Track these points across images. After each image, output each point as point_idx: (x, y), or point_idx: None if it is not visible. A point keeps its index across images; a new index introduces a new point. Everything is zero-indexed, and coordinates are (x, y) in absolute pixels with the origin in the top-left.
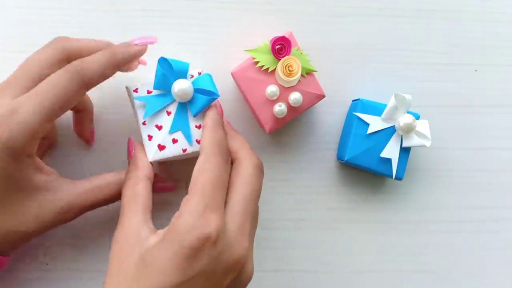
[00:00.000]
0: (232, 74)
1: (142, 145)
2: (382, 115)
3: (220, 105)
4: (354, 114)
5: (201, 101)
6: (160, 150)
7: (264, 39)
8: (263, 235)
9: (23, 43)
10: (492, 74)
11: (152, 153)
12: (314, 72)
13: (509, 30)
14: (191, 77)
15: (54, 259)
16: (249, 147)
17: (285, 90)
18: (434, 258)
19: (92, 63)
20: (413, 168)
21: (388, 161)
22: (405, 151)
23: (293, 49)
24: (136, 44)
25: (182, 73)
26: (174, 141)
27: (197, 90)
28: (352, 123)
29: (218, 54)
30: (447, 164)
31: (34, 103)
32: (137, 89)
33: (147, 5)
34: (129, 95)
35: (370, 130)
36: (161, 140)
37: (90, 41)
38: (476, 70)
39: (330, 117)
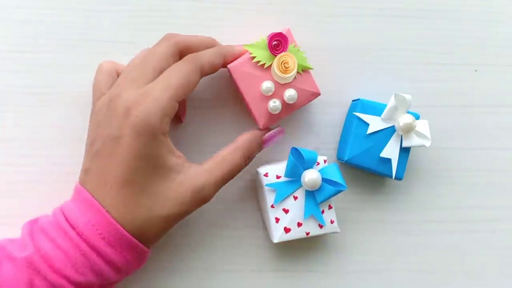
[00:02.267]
0: (228, 68)
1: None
2: (382, 115)
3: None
4: (354, 114)
5: (328, 190)
6: (286, 233)
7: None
8: (264, 235)
9: (23, 43)
10: (492, 74)
11: (278, 236)
12: (310, 70)
13: (509, 30)
14: (317, 164)
15: None
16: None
17: (281, 86)
18: (434, 258)
19: (204, 54)
20: (413, 168)
21: (388, 161)
22: (405, 151)
23: (290, 46)
24: (238, 46)
25: (311, 162)
26: (299, 224)
27: (324, 180)
28: (352, 123)
29: None
30: (447, 164)
31: (163, 85)
32: (267, 173)
33: (147, 5)
34: (259, 178)
35: (370, 130)
36: (287, 223)
37: (197, 36)
38: (476, 70)
39: (330, 117)
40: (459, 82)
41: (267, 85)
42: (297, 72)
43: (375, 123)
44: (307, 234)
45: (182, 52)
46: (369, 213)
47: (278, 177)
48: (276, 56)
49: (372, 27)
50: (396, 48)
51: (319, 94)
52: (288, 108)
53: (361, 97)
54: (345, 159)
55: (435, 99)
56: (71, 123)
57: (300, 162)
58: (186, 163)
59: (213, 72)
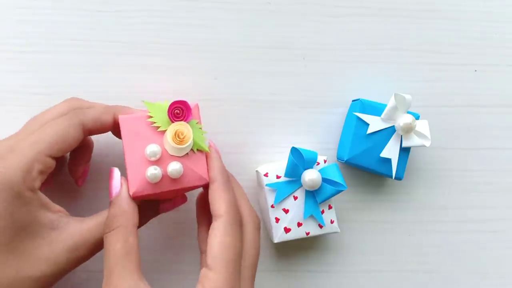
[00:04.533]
0: (119, 119)
1: (126, 180)
2: (382, 115)
3: (216, 147)
4: (354, 114)
5: (328, 190)
6: (286, 233)
7: (263, 39)
8: (264, 235)
9: (23, 43)
10: (492, 74)
11: (278, 236)
12: (206, 154)
13: (509, 30)
14: (317, 164)
15: None
16: (247, 200)
17: (169, 157)
18: (434, 258)
19: (89, 110)
20: (413, 168)
21: (388, 161)
22: (404, 151)
23: (193, 121)
24: (133, 109)
25: (311, 162)
26: (299, 224)
27: (324, 180)
28: (352, 123)
29: (218, 54)
30: (447, 164)
31: (31, 139)
32: (267, 173)
33: (147, 5)
34: (259, 178)
35: (370, 130)
36: (287, 223)
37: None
38: (476, 70)
39: (330, 117)
40: (459, 82)
41: (153, 148)
42: (191, 150)
43: (375, 123)
44: (307, 234)
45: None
46: (369, 213)
47: (278, 177)
48: (173, 122)
49: (372, 27)
50: (396, 48)
51: (207, 182)
52: (170, 183)
53: (361, 97)
54: (345, 159)
55: (435, 99)
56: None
57: (300, 162)
58: (64, 218)
59: (102, 131)
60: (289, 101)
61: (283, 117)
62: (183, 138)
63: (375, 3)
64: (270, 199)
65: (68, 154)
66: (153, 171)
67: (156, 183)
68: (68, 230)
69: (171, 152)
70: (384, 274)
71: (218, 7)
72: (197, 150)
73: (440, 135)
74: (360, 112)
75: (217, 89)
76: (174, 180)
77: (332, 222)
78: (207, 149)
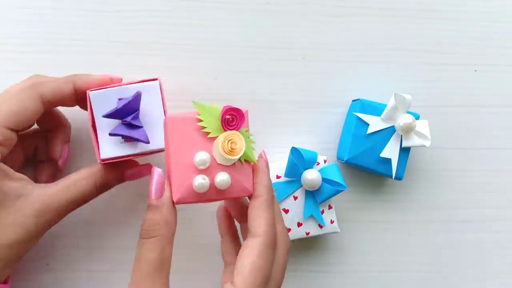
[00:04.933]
0: (166, 118)
1: (169, 183)
2: (382, 115)
3: (266, 158)
4: (354, 114)
5: (328, 190)
6: None
7: (264, 39)
8: None
9: (23, 43)
10: (492, 74)
11: None
12: (252, 164)
13: (509, 30)
14: (317, 164)
15: (55, 260)
16: (283, 219)
17: (216, 166)
18: (434, 258)
19: (48, 80)
20: (413, 168)
21: (388, 161)
22: (404, 151)
23: (243, 129)
24: (98, 75)
25: (311, 162)
26: (299, 224)
27: (324, 180)
28: (352, 123)
29: (218, 54)
30: (447, 164)
31: None
32: None
33: (147, 5)
34: None
35: (370, 130)
36: (287, 223)
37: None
38: (476, 70)
39: (330, 117)
40: (459, 82)
41: (202, 157)
42: (239, 160)
43: (375, 123)
44: (307, 234)
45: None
46: (369, 213)
47: (278, 177)
48: (225, 131)
49: (372, 27)
50: (396, 48)
51: (251, 193)
52: (215, 193)
53: (361, 97)
54: (345, 159)
55: (435, 99)
56: (72, 123)
57: (300, 162)
58: (28, 185)
59: (63, 104)
60: (289, 101)
61: (283, 117)
62: (235, 149)
63: (375, 3)
64: None
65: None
66: (201, 181)
67: (203, 192)
68: (33, 197)
69: (219, 160)
70: (384, 274)
71: (218, 7)
72: (244, 160)
73: (440, 135)
74: (360, 112)
75: (217, 89)
76: (220, 190)
77: (332, 222)
78: (255, 160)
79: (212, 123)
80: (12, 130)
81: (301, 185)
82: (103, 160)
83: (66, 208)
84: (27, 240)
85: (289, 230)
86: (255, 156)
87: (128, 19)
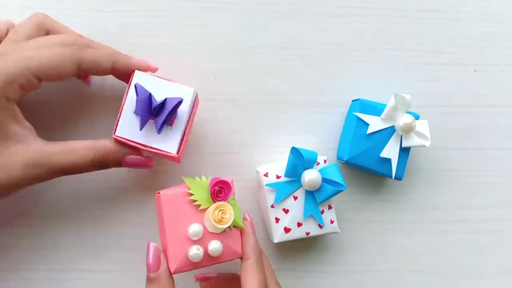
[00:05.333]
0: (159, 194)
1: (164, 255)
2: (382, 115)
3: (251, 221)
4: (354, 114)
5: (328, 190)
6: (286, 233)
7: (264, 39)
8: (264, 236)
9: None
10: (492, 74)
11: (278, 236)
12: (239, 229)
13: (509, 30)
14: (317, 164)
15: (55, 260)
16: (274, 274)
17: (208, 234)
18: (434, 258)
19: (92, 50)
20: (413, 168)
21: (388, 161)
22: (404, 151)
23: (230, 197)
24: (138, 59)
25: (311, 163)
26: (299, 224)
27: (324, 180)
28: (352, 123)
29: (218, 54)
30: (447, 164)
31: (25, 53)
32: (267, 173)
33: (147, 5)
34: (259, 178)
35: (370, 130)
36: (287, 223)
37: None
38: (476, 70)
39: (330, 117)
40: (459, 82)
41: (195, 228)
42: (228, 227)
43: (375, 123)
44: (307, 234)
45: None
46: (369, 213)
47: (278, 177)
48: (215, 202)
49: (372, 27)
50: (396, 48)
51: (240, 256)
52: (208, 260)
53: (361, 97)
54: (345, 159)
55: (435, 99)
56: (72, 123)
57: (300, 162)
58: (31, 135)
59: (97, 74)
60: (289, 101)
61: (283, 117)
62: (225, 218)
63: (375, 3)
64: (270, 199)
65: None
66: (196, 251)
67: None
68: (31, 147)
69: (210, 230)
70: (384, 274)
71: (218, 7)
72: (233, 226)
73: (440, 135)
74: (360, 112)
75: (217, 89)
76: (214, 257)
77: (332, 222)
78: (243, 225)
79: (202, 196)
80: (38, 79)
81: (301, 185)
82: (116, 136)
83: (59, 170)
84: (9, 185)
85: (289, 230)
86: (242, 222)
87: (128, 19)
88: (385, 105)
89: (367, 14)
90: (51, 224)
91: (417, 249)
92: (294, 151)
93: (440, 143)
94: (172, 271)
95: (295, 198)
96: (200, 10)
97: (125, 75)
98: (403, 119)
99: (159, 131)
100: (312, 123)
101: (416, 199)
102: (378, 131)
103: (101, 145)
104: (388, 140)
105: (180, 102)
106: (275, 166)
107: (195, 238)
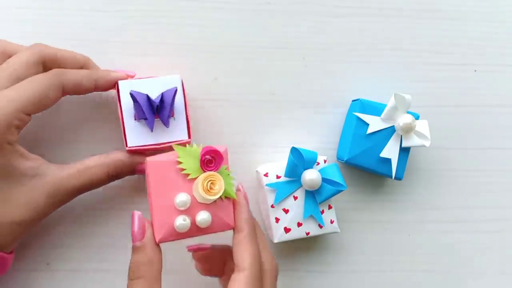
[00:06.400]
0: (146, 161)
1: (151, 224)
2: (382, 115)
3: (245, 192)
4: (354, 114)
5: (328, 190)
6: (286, 233)
7: (264, 39)
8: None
9: (23, 43)
10: (492, 74)
11: (278, 235)
12: (232, 200)
13: (509, 30)
14: (317, 164)
15: (55, 260)
16: (268, 247)
17: (196, 204)
18: (434, 258)
19: (73, 71)
20: (413, 168)
21: (388, 161)
22: (404, 151)
23: (222, 167)
24: (116, 72)
25: (311, 162)
26: (299, 224)
27: (324, 180)
28: (352, 123)
29: (218, 54)
30: (447, 164)
31: (13, 95)
32: (267, 173)
33: (148, 5)
34: (259, 178)
35: (370, 130)
36: (287, 223)
37: (67, 51)
38: (475, 70)
39: (330, 117)
40: (459, 82)
41: (182, 198)
42: (220, 197)
43: (375, 123)
44: (307, 234)
45: (47, 64)
46: (369, 213)
47: (278, 177)
48: (205, 172)
49: (372, 27)
50: (396, 48)
51: (232, 227)
52: (197, 230)
53: (361, 97)
54: (345, 159)
55: (435, 99)
56: (72, 122)
57: (300, 162)
58: (43, 165)
59: (79, 93)
60: (289, 101)
61: (283, 117)
62: (214, 189)
63: (375, 3)
64: (270, 199)
65: None
66: (182, 222)
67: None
68: (47, 178)
69: (200, 200)
70: (384, 274)
71: (218, 7)
72: (225, 197)
73: (440, 135)
74: (360, 112)
75: (217, 89)
76: (201, 227)
77: (332, 222)
78: (235, 196)
79: (191, 165)
80: (28, 114)
81: (301, 185)
82: (129, 148)
83: (77, 191)
84: (36, 219)
85: (289, 230)
86: (234, 192)
87: (128, 19)
88: (385, 105)
89: (367, 14)
90: (50, 224)
91: (417, 249)
92: (294, 151)
93: (440, 143)
94: (157, 241)
95: (295, 198)
96: (200, 10)
97: (105, 88)
98: (403, 119)
99: (168, 124)
100: (312, 123)
101: (416, 199)
102: (378, 131)
103: (113, 159)
104: (388, 140)
105: (176, 92)
106: (275, 166)
107: (182, 208)
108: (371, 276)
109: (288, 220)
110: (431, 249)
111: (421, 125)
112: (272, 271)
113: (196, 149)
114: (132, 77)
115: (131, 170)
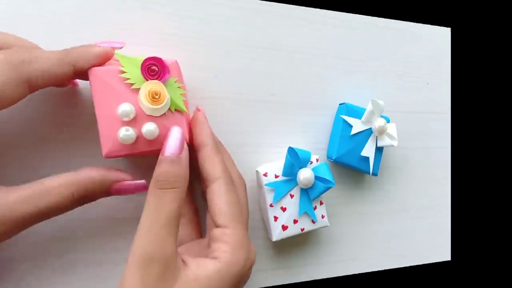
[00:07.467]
0: (89, 71)
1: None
2: (362, 118)
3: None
4: (341, 117)
5: (320, 187)
6: (284, 230)
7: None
8: (264, 235)
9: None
10: (438, 86)
11: (277, 234)
12: (185, 114)
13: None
14: (310, 163)
15: (55, 260)
16: (233, 162)
17: (145, 117)
18: (402, 243)
19: (37, 60)
20: (386, 165)
21: (367, 159)
22: (379, 150)
23: (171, 79)
24: (98, 46)
25: (306, 162)
26: (295, 221)
27: (316, 178)
28: (339, 125)
29: (218, 52)
30: (408, 161)
31: None
32: (266, 173)
33: (147, 2)
34: (258, 177)
35: (353, 131)
36: (284, 221)
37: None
38: (428, 83)
39: (321, 118)
40: (415, 92)
41: (125, 108)
42: (169, 109)
43: (356, 125)
44: (302, 230)
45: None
46: (351, 207)
47: (276, 176)
48: (147, 80)
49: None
50: (376, 59)
51: (186, 141)
52: (146, 144)
53: (347, 101)
54: (334, 158)
55: (400, 105)
56: (72, 123)
57: (296, 161)
58: None
59: (56, 85)
60: (286, 102)
61: (282, 117)
62: (158, 98)
63: (355, 18)
64: (269, 198)
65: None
66: (125, 133)
67: (131, 144)
68: None
69: (147, 111)
70: (365, 262)
71: (218, 3)
72: (175, 110)
73: (404, 136)
74: (345, 115)
75: (217, 87)
76: (150, 141)
77: (323, 217)
78: (185, 109)
79: (136, 75)
80: None
81: (297, 184)
82: (106, 156)
83: (31, 219)
84: None
85: (286, 227)
86: (184, 105)
87: (128, 19)
88: (365, 109)
89: (351, 27)
90: (50, 224)
91: (390, 236)
92: (291, 151)
93: (402, 143)
94: (104, 155)
95: (292, 196)
96: (200, 7)
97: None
98: (378, 122)
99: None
100: (306, 124)
101: (388, 193)
102: (360, 132)
103: (82, 177)
104: (367, 141)
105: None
106: (274, 166)
107: (125, 119)
108: (355, 265)
109: (285, 218)
110: (399, 235)
111: (391, 128)
112: (242, 184)
113: (141, 59)
114: (120, 48)
115: (104, 190)
